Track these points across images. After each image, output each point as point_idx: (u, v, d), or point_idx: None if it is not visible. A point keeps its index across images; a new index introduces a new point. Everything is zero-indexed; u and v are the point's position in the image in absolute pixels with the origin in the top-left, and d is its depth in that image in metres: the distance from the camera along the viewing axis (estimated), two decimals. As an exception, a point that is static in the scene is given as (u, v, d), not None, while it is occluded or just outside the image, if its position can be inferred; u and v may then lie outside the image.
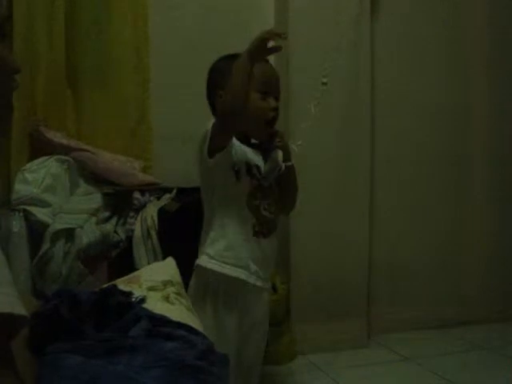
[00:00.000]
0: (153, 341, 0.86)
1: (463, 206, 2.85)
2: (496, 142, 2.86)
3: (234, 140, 1.58)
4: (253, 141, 1.69)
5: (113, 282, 1.26)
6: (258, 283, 1.61)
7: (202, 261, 1.57)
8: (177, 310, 1.10)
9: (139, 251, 1.98)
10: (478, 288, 2.86)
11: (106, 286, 1.08)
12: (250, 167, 1.59)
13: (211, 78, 1.67)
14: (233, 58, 1.62)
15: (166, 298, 1.12)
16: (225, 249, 1.56)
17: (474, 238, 2.88)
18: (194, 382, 0.81)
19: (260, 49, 1.44)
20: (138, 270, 1.48)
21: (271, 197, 1.64)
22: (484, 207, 2.87)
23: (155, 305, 1.05)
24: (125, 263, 1.95)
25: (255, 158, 1.63)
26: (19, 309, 0.59)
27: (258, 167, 1.62)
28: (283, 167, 1.66)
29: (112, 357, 0.80)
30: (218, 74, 1.65)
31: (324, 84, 2.35)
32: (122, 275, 1.30)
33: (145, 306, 1.03)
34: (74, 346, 0.82)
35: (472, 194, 2.85)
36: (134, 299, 1.03)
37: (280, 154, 1.66)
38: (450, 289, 2.83)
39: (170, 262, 1.39)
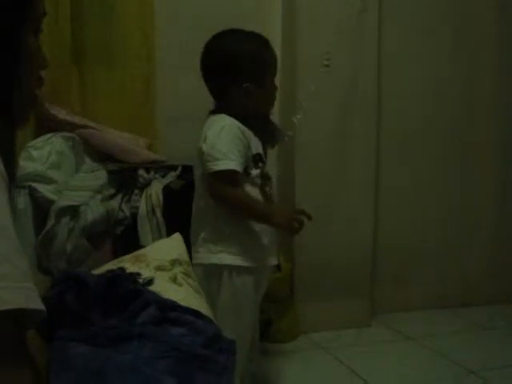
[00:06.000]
0: (161, 328, 0.86)
1: (468, 189, 2.84)
2: (504, 127, 2.84)
3: (246, 132, 1.57)
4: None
5: (119, 259, 1.26)
6: (273, 262, 1.69)
7: (226, 259, 1.57)
8: (184, 292, 1.10)
9: (144, 228, 1.99)
10: (481, 269, 2.86)
11: (114, 268, 1.06)
12: (259, 157, 1.60)
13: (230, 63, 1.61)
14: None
15: (174, 279, 1.11)
16: (253, 248, 1.59)
17: (478, 219, 2.87)
18: (202, 372, 0.82)
19: (286, 226, 1.55)
20: (142, 246, 1.48)
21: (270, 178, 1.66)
22: (489, 190, 2.86)
23: (163, 286, 1.05)
24: (129, 240, 1.96)
25: (258, 144, 1.62)
26: (34, 303, 0.59)
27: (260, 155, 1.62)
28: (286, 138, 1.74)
29: (120, 346, 0.80)
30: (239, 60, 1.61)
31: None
32: (127, 252, 1.30)
33: (152, 287, 1.03)
34: (82, 335, 0.82)
35: (477, 178, 2.83)
36: (141, 280, 1.03)
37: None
38: (453, 269, 2.83)
39: (178, 238, 1.36)
